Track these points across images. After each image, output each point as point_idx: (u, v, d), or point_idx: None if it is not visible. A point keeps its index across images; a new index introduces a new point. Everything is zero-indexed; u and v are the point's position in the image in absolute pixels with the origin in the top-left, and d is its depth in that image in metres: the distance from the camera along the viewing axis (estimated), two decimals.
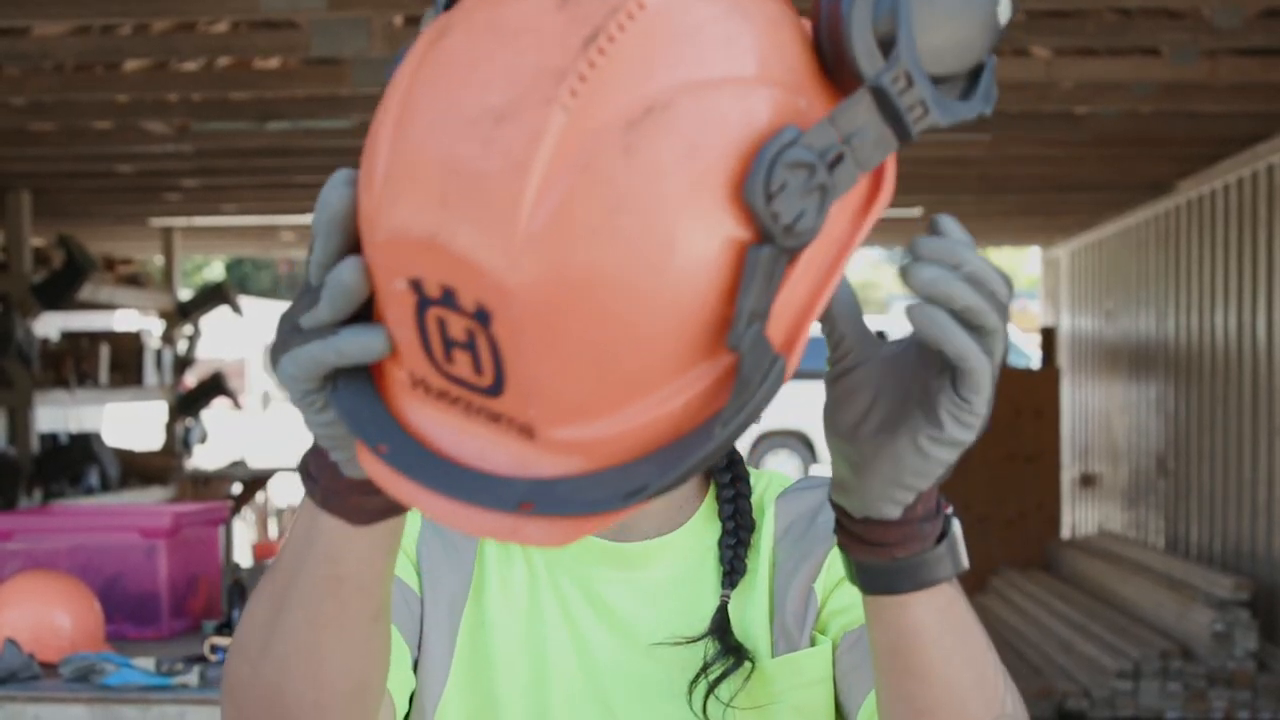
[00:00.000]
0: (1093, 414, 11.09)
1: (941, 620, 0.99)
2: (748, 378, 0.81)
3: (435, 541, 1.34)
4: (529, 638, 1.32)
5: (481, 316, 0.81)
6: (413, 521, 1.34)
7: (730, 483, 1.36)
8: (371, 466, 0.88)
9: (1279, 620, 7.12)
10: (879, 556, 0.97)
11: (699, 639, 1.29)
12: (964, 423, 0.90)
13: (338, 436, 0.93)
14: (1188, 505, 8.65)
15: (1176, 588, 7.51)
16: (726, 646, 1.29)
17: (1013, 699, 1.05)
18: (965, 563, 0.98)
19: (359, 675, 1.05)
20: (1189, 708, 6.82)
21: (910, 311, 0.87)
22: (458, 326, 0.82)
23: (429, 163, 0.81)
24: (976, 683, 1.02)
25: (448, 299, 0.82)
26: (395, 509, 0.98)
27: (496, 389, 0.83)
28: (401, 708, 1.28)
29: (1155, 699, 6.83)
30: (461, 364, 0.84)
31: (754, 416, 0.82)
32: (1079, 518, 11.31)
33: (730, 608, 1.31)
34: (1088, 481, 11.03)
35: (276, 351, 0.93)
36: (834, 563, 1.31)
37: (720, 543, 1.34)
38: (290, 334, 0.91)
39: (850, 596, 1.29)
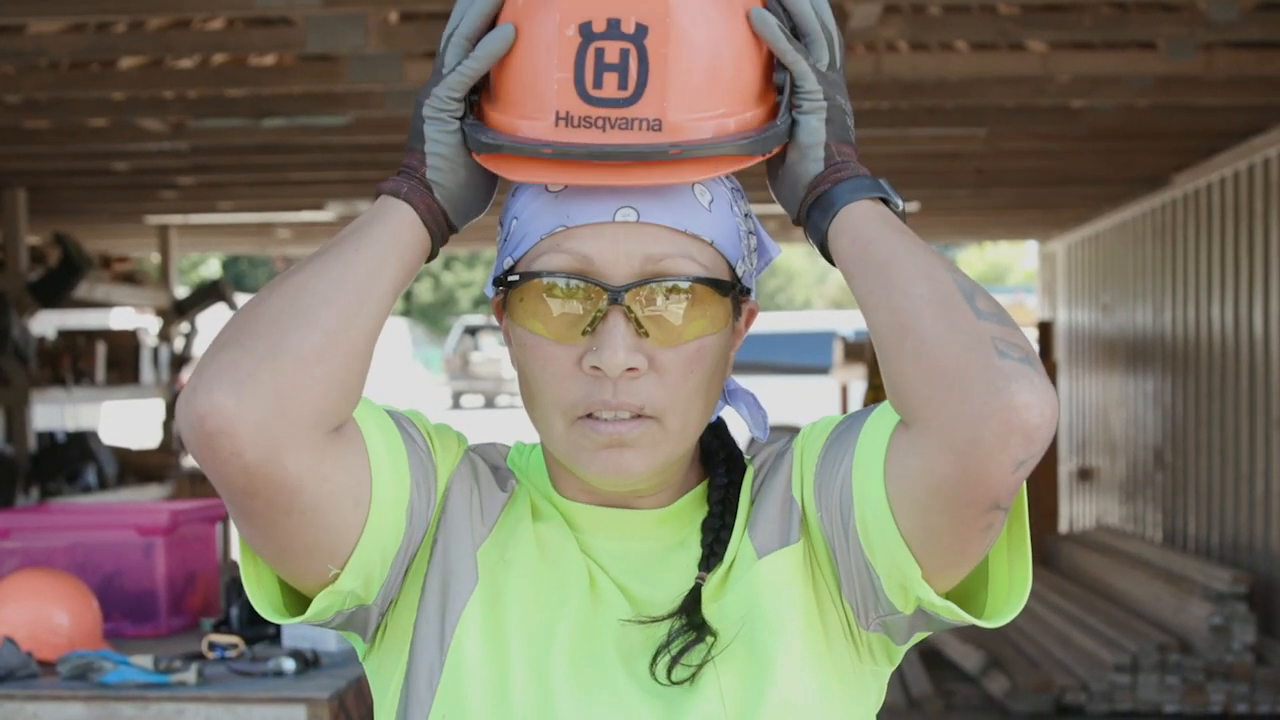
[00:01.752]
0: (1090, 408, 11.09)
1: (887, 220, 1.28)
2: (784, 101, 1.31)
3: (468, 479, 1.39)
4: (550, 587, 1.35)
5: (640, 32, 1.25)
6: (450, 450, 1.39)
7: (725, 472, 1.40)
8: (535, 169, 1.28)
9: (1277, 613, 7.13)
10: (829, 184, 1.30)
11: (666, 618, 1.32)
12: (804, 91, 1.30)
13: (450, 163, 1.31)
14: (1185, 499, 8.66)
15: (1174, 581, 7.51)
16: (692, 624, 1.31)
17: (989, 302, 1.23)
18: (899, 199, 1.31)
19: (366, 309, 1.26)
20: (1187, 701, 6.82)
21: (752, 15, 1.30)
22: (614, 50, 1.26)
23: None
24: (945, 267, 1.24)
25: (612, 28, 1.26)
26: (449, 227, 1.34)
27: (635, 97, 1.26)
28: (392, 498, 1.30)
29: (1153, 692, 6.83)
30: (609, 84, 1.26)
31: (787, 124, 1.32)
32: (1076, 512, 11.32)
33: (704, 589, 1.34)
34: (1085, 475, 11.04)
35: (431, 84, 1.32)
36: (801, 461, 1.37)
37: (704, 525, 1.37)
38: (436, 75, 1.31)
39: (817, 456, 1.35)
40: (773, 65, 1.32)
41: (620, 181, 1.27)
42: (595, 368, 1.28)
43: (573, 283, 1.30)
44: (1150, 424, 9.42)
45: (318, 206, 9.65)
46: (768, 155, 1.32)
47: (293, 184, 8.91)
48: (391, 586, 1.33)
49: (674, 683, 1.30)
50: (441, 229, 1.33)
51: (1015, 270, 34.10)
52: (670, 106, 1.27)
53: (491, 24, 1.32)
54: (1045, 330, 11.12)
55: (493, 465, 1.42)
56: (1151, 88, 6.10)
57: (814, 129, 1.31)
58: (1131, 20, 5.30)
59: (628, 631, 1.33)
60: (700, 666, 1.30)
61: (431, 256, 1.34)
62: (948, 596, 1.30)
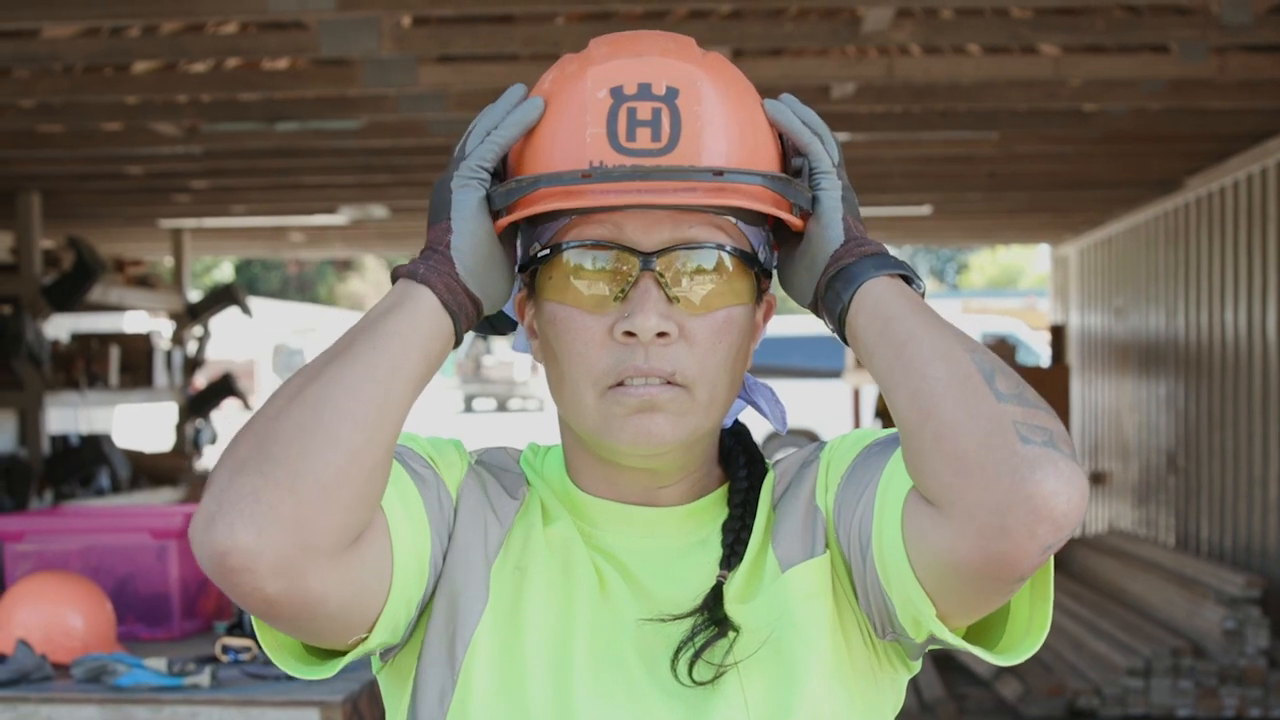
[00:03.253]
0: (1102, 412, 11.08)
1: (907, 297, 1.29)
2: (803, 181, 1.36)
3: (477, 492, 1.39)
4: (562, 591, 1.35)
5: (670, 94, 1.30)
6: (454, 467, 1.40)
7: (746, 475, 1.41)
8: (575, 197, 1.28)
9: None
10: (854, 257, 1.32)
11: (688, 615, 1.33)
12: (822, 170, 1.35)
13: (474, 229, 1.31)
14: (1198, 503, 8.64)
15: (1187, 585, 7.50)
16: (714, 619, 1.32)
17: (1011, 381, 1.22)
18: (921, 280, 1.33)
19: (388, 417, 1.23)
20: (1200, 705, 6.81)
21: (769, 105, 1.36)
22: (646, 109, 1.29)
23: (625, 38, 1.36)
24: (965, 346, 1.24)
25: (643, 91, 1.30)
26: (471, 303, 1.31)
27: (669, 148, 1.29)
28: (415, 556, 1.30)
29: (1166, 696, 6.82)
30: (642, 137, 1.29)
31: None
32: (1089, 516, 11.30)
33: (725, 587, 1.35)
34: (1098, 479, 11.02)
35: (456, 164, 1.32)
36: (827, 472, 1.38)
37: (725, 526, 1.38)
38: (460, 156, 1.32)
39: (842, 472, 1.37)
40: (786, 158, 1.37)
41: (664, 201, 1.27)
42: (628, 333, 1.29)
43: (601, 260, 1.31)
44: (1163, 428, 9.40)
45: (330, 210, 9.67)
46: (800, 215, 1.34)
47: (306, 188, 8.93)
48: (414, 621, 1.34)
49: (696, 682, 1.30)
50: (464, 308, 1.30)
51: (1028, 274, 34.05)
52: (705, 154, 1.29)
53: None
54: (1058, 334, 11.10)
55: (501, 469, 1.42)
56: (1164, 91, 6.09)
57: (834, 201, 1.34)
58: (1144, 23, 5.29)
59: (646, 632, 1.33)
60: (723, 666, 1.31)
61: (458, 341, 1.31)
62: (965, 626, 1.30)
